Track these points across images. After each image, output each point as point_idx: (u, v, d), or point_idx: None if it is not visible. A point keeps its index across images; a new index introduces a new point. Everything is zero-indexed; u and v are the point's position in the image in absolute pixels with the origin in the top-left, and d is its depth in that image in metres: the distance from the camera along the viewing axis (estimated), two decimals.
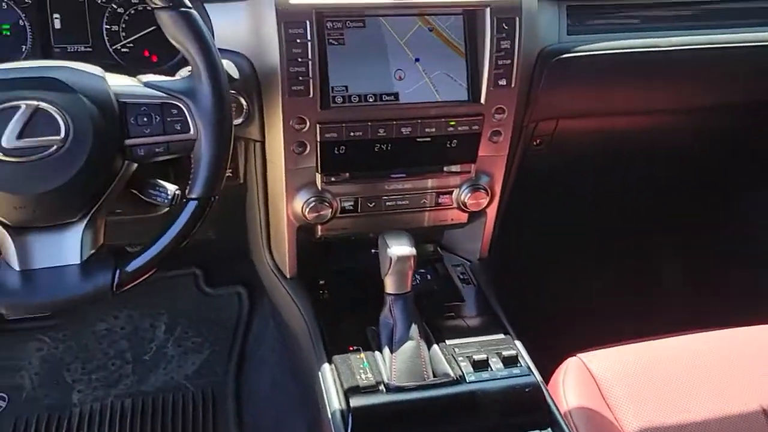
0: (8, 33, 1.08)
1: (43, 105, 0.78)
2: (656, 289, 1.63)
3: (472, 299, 1.22)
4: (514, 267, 1.44)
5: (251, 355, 1.67)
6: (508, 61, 1.07)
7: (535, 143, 1.29)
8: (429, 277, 1.28)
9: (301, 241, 1.18)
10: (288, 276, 1.22)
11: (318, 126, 1.04)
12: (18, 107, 0.78)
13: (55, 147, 0.78)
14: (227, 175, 1.18)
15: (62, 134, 0.78)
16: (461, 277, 1.27)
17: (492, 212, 1.23)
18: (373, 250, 1.25)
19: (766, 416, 1.08)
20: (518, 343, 1.10)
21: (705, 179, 1.50)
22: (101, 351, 1.64)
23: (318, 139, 1.05)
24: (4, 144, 0.77)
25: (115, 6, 1.11)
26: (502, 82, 1.08)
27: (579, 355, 1.16)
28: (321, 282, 1.23)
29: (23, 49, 1.09)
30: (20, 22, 1.08)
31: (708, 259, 1.67)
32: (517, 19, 1.05)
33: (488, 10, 1.04)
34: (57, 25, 1.10)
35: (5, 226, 0.81)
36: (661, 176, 1.48)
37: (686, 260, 1.68)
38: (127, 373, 1.62)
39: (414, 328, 1.05)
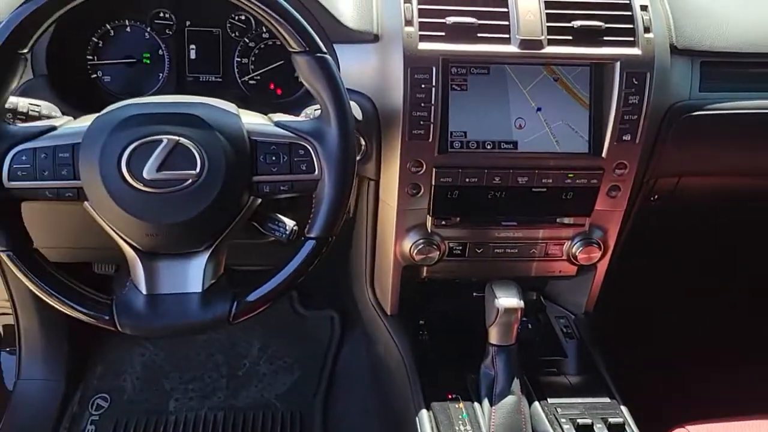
0: (148, 61, 1.15)
1: (183, 140, 0.82)
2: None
3: (575, 355, 1.18)
4: (620, 323, 1.38)
5: (340, 380, 1.68)
6: (635, 117, 1.03)
7: (652, 198, 1.24)
8: (530, 326, 1.26)
9: (404, 281, 1.18)
10: (389, 313, 1.22)
11: (434, 170, 1.04)
12: (160, 141, 0.82)
13: (190, 180, 0.82)
14: None
15: (198, 169, 0.82)
16: (564, 330, 1.23)
17: (602, 267, 1.19)
18: (474, 293, 1.24)
19: None
20: (624, 409, 1.05)
21: None
22: (198, 362, 1.70)
23: (433, 183, 1.05)
24: (145, 175, 0.81)
25: (247, 40, 1.16)
26: (627, 137, 1.04)
27: (687, 426, 1.09)
28: (421, 322, 1.23)
29: (160, 77, 1.15)
30: (160, 51, 1.15)
31: None
32: (649, 74, 1.02)
33: (618, 64, 1.01)
34: (192, 55, 1.16)
35: (137, 251, 0.86)
36: None
37: None
38: (221, 386, 1.67)
39: (516, 383, 1.02)
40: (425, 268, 1.15)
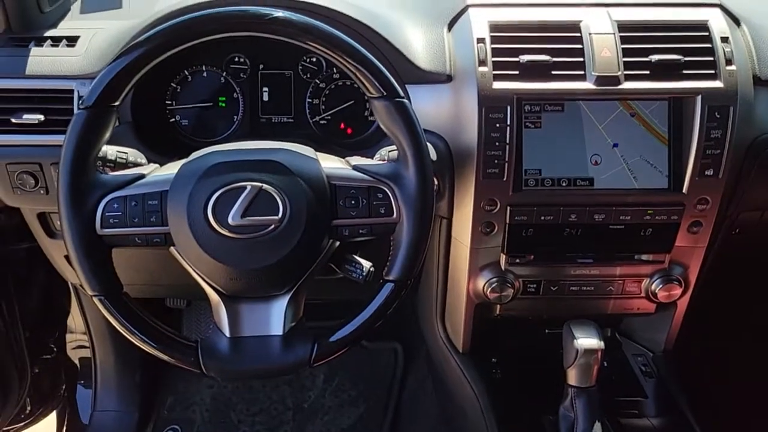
0: (224, 104, 1.18)
1: (266, 187, 0.84)
2: None
3: (655, 395, 1.14)
4: (703, 361, 1.34)
5: (405, 414, 1.67)
6: (718, 151, 1.00)
7: (734, 233, 1.20)
8: (605, 364, 1.22)
9: (476, 318, 1.17)
10: (461, 350, 1.21)
11: (508, 208, 1.03)
12: (244, 188, 0.84)
13: (273, 226, 0.83)
14: None
15: (280, 214, 0.83)
16: (643, 369, 1.20)
17: (683, 304, 1.15)
18: (547, 330, 1.21)
19: None
20: None
21: None
22: (265, 394, 1.71)
23: (507, 221, 1.04)
24: (230, 221, 0.83)
25: (318, 81, 1.18)
26: (709, 172, 1.01)
27: None
28: (494, 360, 1.21)
29: (234, 119, 1.18)
30: (234, 94, 1.18)
31: None
32: (732, 108, 0.99)
33: (699, 97, 0.99)
34: (265, 97, 1.19)
35: (220, 294, 0.87)
36: None
37: None
38: (287, 419, 1.67)
39: (597, 426, 1.00)
40: (499, 306, 1.13)
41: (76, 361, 1.68)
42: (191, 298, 1.55)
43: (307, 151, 0.90)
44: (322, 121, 1.19)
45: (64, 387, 1.67)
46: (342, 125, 1.20)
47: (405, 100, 0.86)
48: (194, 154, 0.89)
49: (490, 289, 1.09)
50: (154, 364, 1.66)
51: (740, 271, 1.29)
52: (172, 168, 0.88)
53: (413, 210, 0.87)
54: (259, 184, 0.84)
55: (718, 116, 0.99)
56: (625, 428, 1.05)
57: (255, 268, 0.84)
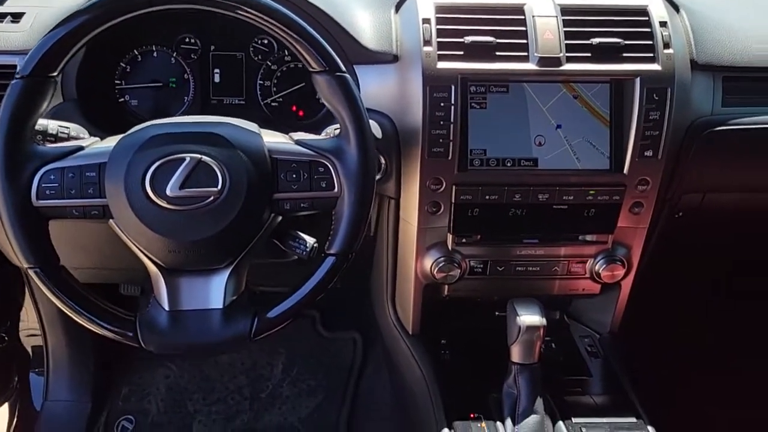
0: (174, 85, 1.18)
1: (205, 158, 0.84)
2: None
3: (600, 375, 1.16)
4: (646, 343, 1.36)
5: (363, 403, 1.67)
6: (656, 132, 1.03)
7: (677, 215, 1.22)
8: (554, 346, 1.24)
9: (426, 299, 1.18)
10: (410, 332, 1.21)
11: (454, 187, 1.04)
12: (183, 159, 0.84)
13: (212, 198, 0.83)
14: None
15: (219, 186, 0.83)
16: (589, 349, 1.22)
17: (627, 285, 1.17)
18: (497, 313, 1.23)
19: None
20: (652, 429, 1.03)
21: None
22: (222, 384, 1.70)
23: (453, 201, 1.05)
24: (168, 193, 0.83)
25: (269, 63, 1.18)
26: (648, 153, 1.04)
27: None
28: (443, 341, 1.22)
29: (185, 100, 1.18)
30: (185, 75, 1.18)
31: None
32: (669, 90, 1.01)
33: (638, 80, 1.01)
34: (217, 79, 1.19)
35: (160, 267, 0.87)
36: None
37: None
38: (244, 408, 1.66)
39: (539, 402, 1.01)
40: (446, 287, 1.15)
41: (29, 349, 1.66)
42: (145, 284, 1.54)
43: (249, 125, 0.90)
44: (273, 103, 1.20)
45: (17, 377, 1.65)
46: (294, 107, 1.20)
47: (346, 75, 0.87)
48: (135, 128, 0.89)
49: (437, 269, 1.10)
50: (109, 353, 1.64)
51: (684, 255, 1.32)
52: (112, 141, 0.88)
53: (354, 184, 0.87)
54: (198, 155, 0.84)
55: (656, 98, 1.02)
56: (568, 405, 1.07)
57: (194, 240, 0.84)
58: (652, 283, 1.24)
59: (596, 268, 1.12)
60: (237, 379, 1.72)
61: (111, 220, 0.86)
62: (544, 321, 1.02)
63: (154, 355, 1.70)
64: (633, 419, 1.05)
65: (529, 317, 1.01)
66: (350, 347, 1.79)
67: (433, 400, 1.09)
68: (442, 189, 1.05)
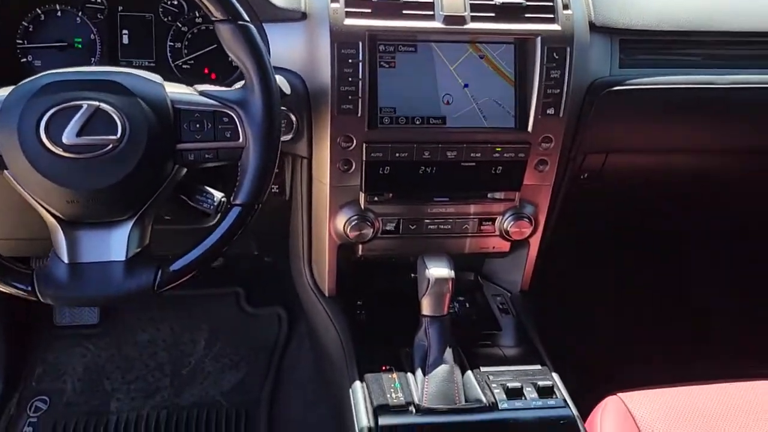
0: (80, 46, 1.15)
1: (103, 106, 0.82)
2: (702, 330, 1.57)
3: (510, 329, 1.20)
4: (555, 301, 1.41)
5: (286, 377, 1.67)
6: (557, 91, 1.07)
7: (582, 176, 1.28)
8: (468, 305, 1.27)
9: (341, 261, 1.19)
10: (327, 294, 1.22)
11: (364, 145, 1.06)
12: (80, 107, 0.82)
13: (110, 146, 0.82)
14: (274, 190, 1.21)
15: (118, 134, 0.82)
16: (500, 307, 1.25)
17: (535, 243, 1.22)
18: (413, 275, 1.25)
19: None
20: (555, 376, 1.07)
21: (756, 222, 1.46)
22: (141, 362, 1.67)
23: (363, 158, 1.07)
24: (64, 140, 0.81)
25: (179, 25, 1.16)
26: (550, 111, 1.08)
27: (619, 394, 1.12)
28: (359, 302, 1.23)
29: (92, 62, 1.15)
30: (92, 36, 1.15)
31: (757, 303, 1.61)
32: (568, 49, 1.05)
33: (539, 39, 1.05)
34: (125, 40, 1.16)
35: (58, 219, 0.85)
36: (711, 217, 1.44)
37: (734, 303, 1.62)
38: (164, 385, 1.64)
39: (449, 352, 1.04)
40: (361, 246, 1.16)
41: None
42: None
43: (151, 75, 0.89)
44: (184, 66, 1.18)
45: None
46: (206, 70, 1.19)
47: (249, 24, 0.87)
48: (29, 78, 0.86)
49: (350, 227, 1.11)
50: (21, 333, 1.59)
51: (591, 215, 1.38)
52: (4, 91, 0.85)
53: (259, 134, 0.88)
54: (96, 102, 0.83)
55: (556, 57, 1.06)
56: (477, 357, 1.10)
57: (93, 190, 0.83)
58: (560, 243, 1.29)
59: (505, 225, 1.16)
60: (157, 356, 1.69)
61: (6, 172, 0.84)
62: (452, 273, 1.04)
63: (70, 334, 1.66)
64: (538, 366, 1.09)
65: (438, 270, 1.04)
66: (275, 323, 1.79)
67: (347, 357, 1.11)
68: (352, 147, 1.06)
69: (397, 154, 1.07)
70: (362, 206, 1.12)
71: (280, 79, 0.98)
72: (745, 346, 1.10)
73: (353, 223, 1.11)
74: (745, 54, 1.21)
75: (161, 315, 1.73)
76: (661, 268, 1.51)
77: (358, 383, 1.04)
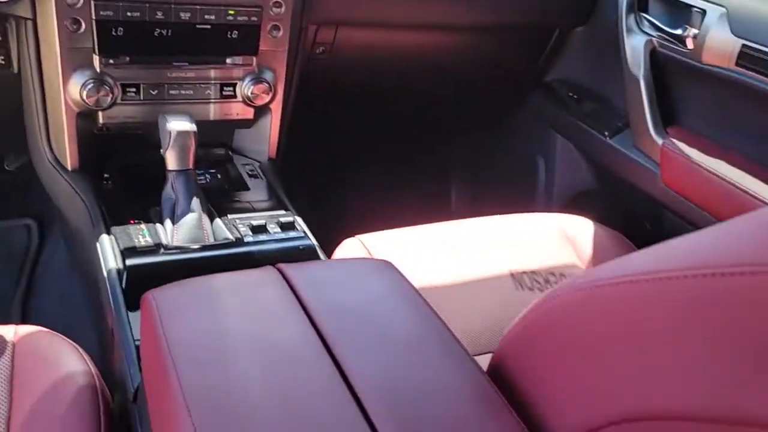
0: None
1: None
2: (435, 189, 1.81)
3: (258, 189, 1.28)
4: (303, 168, 1.53)
5: (40, 280, 1.60)
6: None
7: (318, 51, 1.39)
8: (219, 176, 1.33)
9: (82, 131, 1.17)
10: (69, 168, 1.20)
11: (92, 3, 1.05)
12: None
13: None
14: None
15: None
16: (250, 173, 1.33)
17: (277, 110, 1.30)
18: (162, 150, 1.27)
19: (512, 277, 1.26)
20: (299, 219, 1.18)
21: (476, 96, 1.70)
22: None
23: (93, 17, 1.06)
24: None
25: None
26: None
27: (358, 236, 1.26)
28: (106, 175, 1.23)
29: None
30: None
31: (478, 168, 1.89)
32: None
33: None
34: None
35: None
36: (438, 92, 1.64)
37: (460, 169, 1.89)
38: None
39: (196, 202, 1.09)
40: (101, 114, 1.16)
41: None
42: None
43: None
44: None
45: None
46: None
47: None
48: None
49: (86, 92, 1.11)
50: None
51: (330, 90, 1.50)
52: None
53: None
54: None
55: None
56: (227, 208, 1.16)
57: None
58: (307, 117, 1.40)
59: (246, 91, 1.23)
60: None
61: None
62: (194, 127, 1.09)
63: None
64: (283, 211, 1.19)
65: (180, 123, 1.08)
66: (23, 234, 1.69)
67: (94, 221, 1.11)
68: (80, 4, 1.05)
69: (129, 14, 1.08)
70: (98, 69, 1.11)
71: None
72: (479, 210, 1.31)
73: (89, 87, 1.10)
74: None
75: None
76: (399, 135, 1.69)
77: (104, 236, 1.06)
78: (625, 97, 1.45)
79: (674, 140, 1.35)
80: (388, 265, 0.80)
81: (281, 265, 0.77)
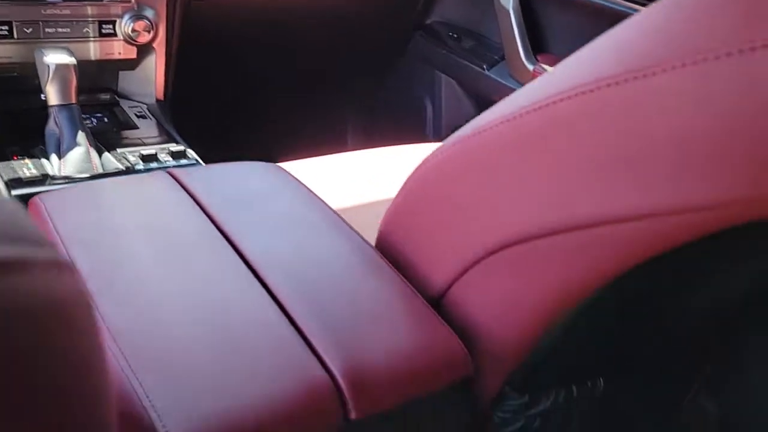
0: None
1: None
2: (330, 134, 1.85)
3: (148, 127, 1.28)
4: (196, 112, 1.53)
5: None
6: None
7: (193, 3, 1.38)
8: (106, 120, 1.31)
9: None
10: None
11: None
12: None
13: None
14: None
15: None
16: (138, 114, 1.32)
17: (161, 50, 1.30)
18: (42, 95, 1.24)
19: None
20: (190, 151, 1.19)
21: (360, 43, 1.75)
22: None
23: None
24: None
25: None
26: None
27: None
28: None
29: None
30: None
31: (372, 114, 1.95)
32: None
33: None
34: None
35: None
36: (322, 42, 1.68)
37: (353, 115, 1.94)
38: None
39: (82, 135, 1.08)
40: None
41: None
42: None
43: None
44: None
45: None
46: None
47: None
48: None
49: None
50: None
51: (213, 37, 1.50)
52: None
53: None
54: None
55: None
56: (115, 144, 1.16)
57: None
58: (193, 59, 1.40)
59: (126, 29, 1.22)
60: None
61: None
62: (74, 60, 1.08)
63: None
64: (175, 144, 1.20)
65: (58, 56, 1.06)
66: None
67: None
68: None
69: None
70: None
71: None
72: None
73: None
74: None
75: None
76: (287, 74, 1.71)
77: None
78: (500, 30, 1.54)
79: (543, 65, 1.46)
80: (277, 167, 0.84)
81: (172, 169, 0.80)
